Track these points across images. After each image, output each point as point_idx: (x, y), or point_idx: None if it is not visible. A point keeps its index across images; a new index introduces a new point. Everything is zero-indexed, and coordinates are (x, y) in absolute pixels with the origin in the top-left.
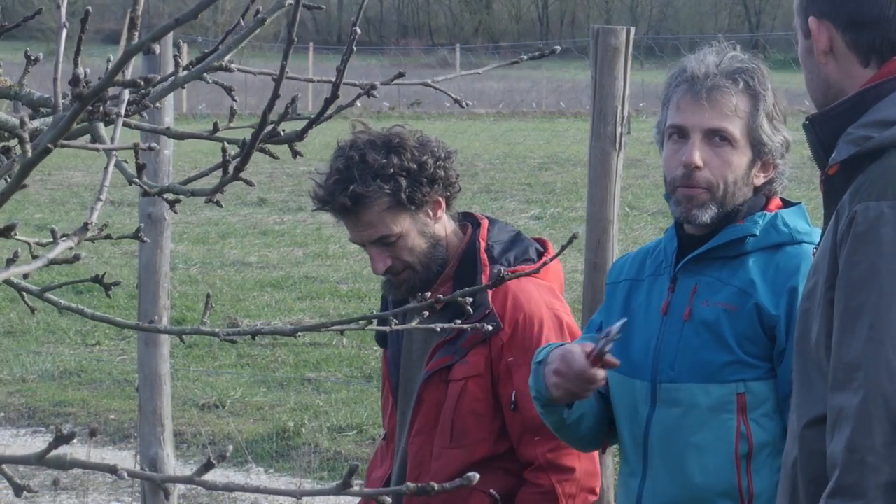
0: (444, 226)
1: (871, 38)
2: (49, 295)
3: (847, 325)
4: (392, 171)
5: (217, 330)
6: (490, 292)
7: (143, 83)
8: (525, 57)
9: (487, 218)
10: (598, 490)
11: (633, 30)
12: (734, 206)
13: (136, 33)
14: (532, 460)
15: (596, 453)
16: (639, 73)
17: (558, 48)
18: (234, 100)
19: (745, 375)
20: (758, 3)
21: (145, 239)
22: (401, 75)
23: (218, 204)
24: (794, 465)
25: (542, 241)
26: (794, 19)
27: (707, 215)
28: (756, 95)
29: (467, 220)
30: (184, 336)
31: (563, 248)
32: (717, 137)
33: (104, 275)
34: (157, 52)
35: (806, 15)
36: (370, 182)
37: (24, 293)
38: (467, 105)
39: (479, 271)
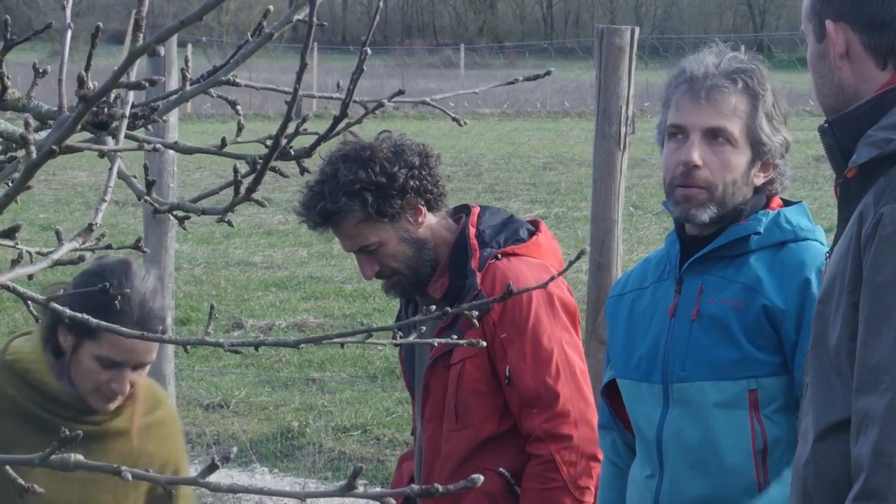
0: (431, 227)
1: (890, 40)
2: (54, 305)
3: (873, 328)
4: (358, 186)
5: (222, 341)
6: (479, 274)
7: (147, 85)
8: (521, 78)
9: (480, 206)
10: (600, 456)
11: (637, 30)
12: (734, 205)
13: (141, 35)
14: (531, 433)
15: (594, 419)
16: (643, 72)
17: (552, 70)
18: (238, 114)
19: (756, 372)
20: (762, 3)
21: (145, 249)
22: (401, 93)
23: (229, 224)
24: (806, 467)
25: (534, 222)
26: (801, 24)
27: (706, 215)
28: (755, 95)
29: (462, 212)
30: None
31: (571, 263)
32: (716, 137)
33: (111, 284)
34: (162, 53)
35: (821, 18)
36: (339, 199)
37: (30, 302)
38: (465, 124)
39: (469, 256)
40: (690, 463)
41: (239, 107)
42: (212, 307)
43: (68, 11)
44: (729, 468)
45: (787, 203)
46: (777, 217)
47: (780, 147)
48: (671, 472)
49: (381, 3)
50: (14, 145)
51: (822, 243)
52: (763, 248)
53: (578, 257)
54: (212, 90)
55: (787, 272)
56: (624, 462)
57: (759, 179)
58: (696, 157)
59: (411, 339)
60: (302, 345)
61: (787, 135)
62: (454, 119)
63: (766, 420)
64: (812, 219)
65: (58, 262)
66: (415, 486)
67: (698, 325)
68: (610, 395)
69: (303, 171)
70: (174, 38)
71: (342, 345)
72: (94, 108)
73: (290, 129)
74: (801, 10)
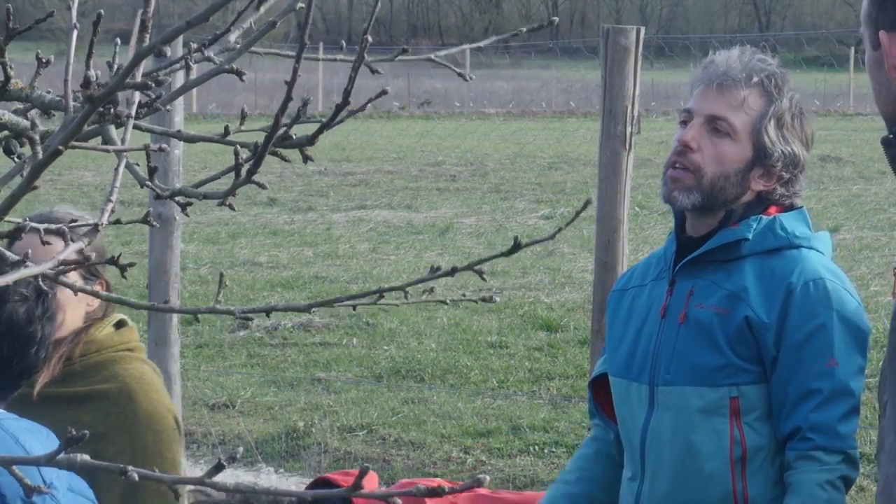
0: None
1: None
2: (63, 278)
3: None
4: None
5: (232, 308)
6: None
7: (153, 84)
8: (524, 30)
9: None
10: None
11: (642, 29)
12: (723, 200)
13: (147, 35)
14: None
15: None
16: (648, 72)
17: (556, 19)
18: (241, 80)
19: (738, 379)
20: (768, 3)
21: (154, 223)
22: (404, 51)
23: (231, 207)
24: None
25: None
26: (860, 27)
27: (689, 200)
28: (769, 97)
29: None
30: (199, 315)
31: (578, 213)
32: (717, 126)
33: (119, 255)
34: (168, 54)
35: (875, 27)
36: None
37: (39, 278)
38: (471, 78)
39: None
40: (670, 468)
41: (245, 77)
42: (221, 275)
43: (74, 11)
44: (706, 475)
45: (788, 208)
46: (771, 223)
47: (785, 157)
48: (652, 476)
49: None
50: (19, 136)
51: (819, 251)
52: (755, 254)
53: (584, 207)
54: (216, 57)
55: (775, 282)
56: (604, 446)
57: (759, 185)
58: (690, 137)
59: (423, 298)
60: (314, 308)
61: (799, 150)
62: (459, 74)
63: (746, 428)
64: (811, 225)
65: (63, 262)
66: (421, 486)
67: (685, 328)
68: (596, 387)
69: (305, 158)
70: (180, 40)
71: (354, 307)
72: (101, 109)
73: (293, 114)
74: (806, 10)
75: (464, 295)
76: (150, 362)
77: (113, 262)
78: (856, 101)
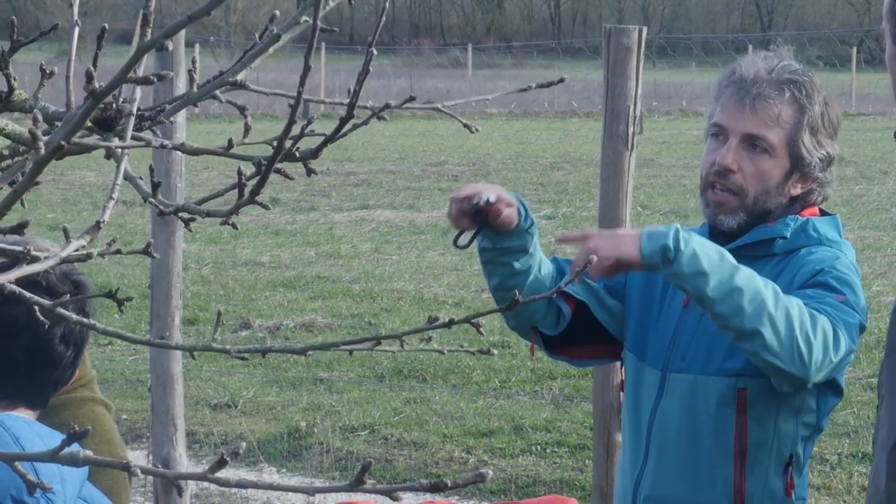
0: None
1: None
2: (60, 310)
3: None
4: None
5: (228, 347)
6: None
7: (155, 80)
8: (533, 85)
9: None
10: None
11: (645, 29)
12: (765, 211)
13: (149, 31)
14: None
15: None
16: (651, 72)
17: (566, 77)
18: (245, 118)
19: (748, 372)
20: (770, 3)
21: (155, 255)
22: (411, 98)
23: (234, 226)
24: (890, 480)
25: None
26: (881, 22)
27: (735, 221)
28: (802, 108)
29: None
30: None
31: (568, 281)
32: (754, 145)
33: (117, 290)
34: (170, 48)
35: None
36: None
37: (36, 307)
38: (477, 131)
39: None
40: (675, 456)
41: (247, 111)
42: (219, 313)
43: (76, 9)
44: (710, 465)
45: (821, 213)
46: (805, 224)
47: (822, 162)
48: (654, 462)
49: (386, 4)
50: (21, 147)
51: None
52: (786, 252)
53: (585, 266)
54: (221, 95)
55: (806, 267)
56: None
57: (797, 190)
58: (731, 160)
59: (420, 346)
60: (309, 352)
61: (832, 149)
62: (465, 125)
63: (751, 422)
64: (842, 233)
65: (65, 260)
66: (423, 481)
67: (706, 319)
68: (566, 298)
69: (309, 172)
70: (182, 38)
71: (350, 352)
72: (102, 105)
73: (296, 131)
74: (808, 10)
75: (461, 346)
76: (102, 399)
77: (110, 296)
78: (858, 100)
